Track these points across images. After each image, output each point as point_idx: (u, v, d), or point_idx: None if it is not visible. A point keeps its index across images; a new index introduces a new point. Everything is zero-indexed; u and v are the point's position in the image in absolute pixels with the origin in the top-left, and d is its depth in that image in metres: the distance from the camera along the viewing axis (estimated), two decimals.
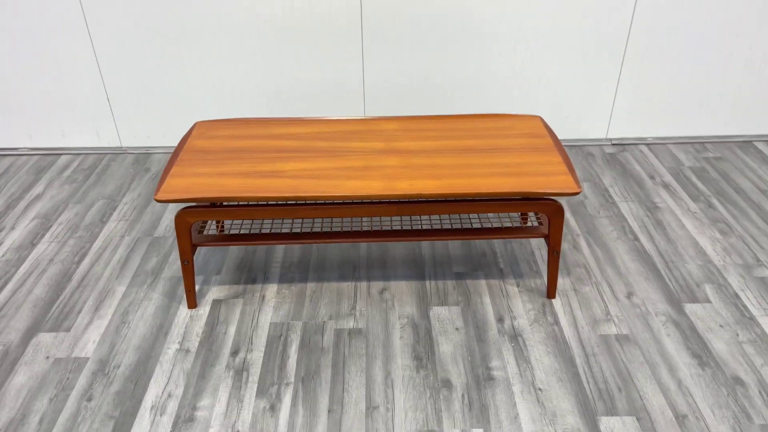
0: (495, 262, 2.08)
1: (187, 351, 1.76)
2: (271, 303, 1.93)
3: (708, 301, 1.89)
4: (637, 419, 1.53)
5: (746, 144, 2.77)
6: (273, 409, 1.58)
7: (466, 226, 2.07)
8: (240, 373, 1.69)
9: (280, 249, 2.17)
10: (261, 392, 1.63)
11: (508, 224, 2.14)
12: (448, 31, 2.53)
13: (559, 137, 2.78)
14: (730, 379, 1.64)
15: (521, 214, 2.18)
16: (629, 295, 1.93)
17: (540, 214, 1.93)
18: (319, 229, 1.95)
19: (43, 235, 2.27)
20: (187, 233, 1.77)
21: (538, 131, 1.98)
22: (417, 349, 1.75)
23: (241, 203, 1.77)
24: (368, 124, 2.04)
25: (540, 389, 1.62)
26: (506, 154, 1.85)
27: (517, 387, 1.62)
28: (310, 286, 2.00)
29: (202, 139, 1.97)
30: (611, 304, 1.89)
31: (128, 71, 2.64)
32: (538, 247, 2.15)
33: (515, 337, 1.78)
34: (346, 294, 1.96)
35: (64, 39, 2.56)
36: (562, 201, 2.38)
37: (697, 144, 2.78)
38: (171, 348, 1.77)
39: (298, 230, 1.97)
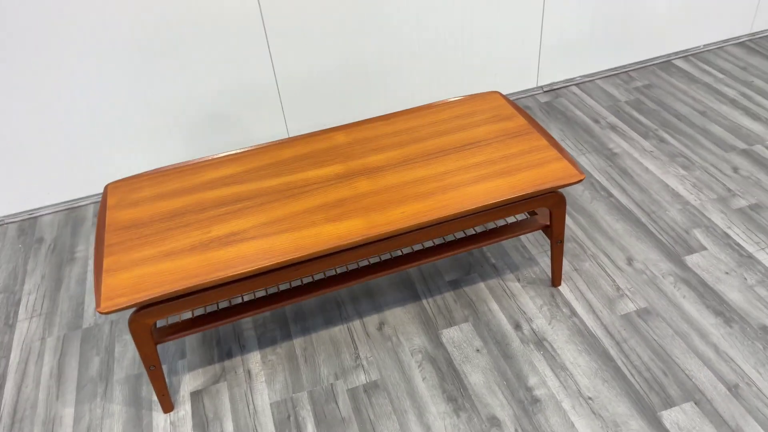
0: (485, 258, 1.91)
1: None
2: (261, 377, 1.65)
3: (704, 248, 1.86)
4: (695, 403, 1.46)
5: (666, 64, 2.76)
6: None
7: (453, 235, 1.86)
8: None
9: None
10: None
11: (501, 222, 1.94)
12: (355, 11, 2.23)
13: None
14: (758, 330, 1.61)
15: None
16: (629, 260, 1.85)
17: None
18: (295, 283, 1.67)
19: None
20: (148, 336, 1.43)
21: (503, 111, 1.79)
22: (446, 388, 1.56)
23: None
24: (312, 143, 1.75)
25: (590, 398, 1.50)
26: (485, 149, 1.65)
27: (567, 403, 1.50)
28: (298, 342, 1.73)
29: (123, 208, 1.59)
30: (616, 276, 1.80)
31: None
32: None
33: (540, 342, 1.65)
34: (342, 341, 1.72)
35: None
36: None
37: (622, 74, 2.73)
38: None
39: (273, 289, 1.68)
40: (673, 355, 1.58)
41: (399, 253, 1.85)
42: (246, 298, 1.81)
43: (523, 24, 2.47)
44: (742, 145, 2.24)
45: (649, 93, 2.58)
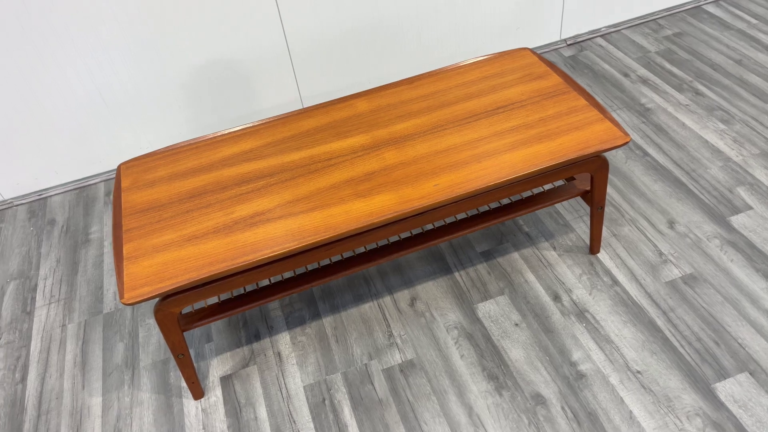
0: (517, 227, 1.82)
1: None
2: (292, 359, 1.59)
3: (749, 207, 1.76)
4: (750, 374, 1.40)
5: (696, 10, 2.61)
6: None
7: (487, 205, 1.77)
8: None
9: None
10: None
11: (537, 189, 1.84)
12: None
13: None
14: None
15: None
16: (671, 224, 1.75)
17: None
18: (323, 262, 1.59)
19: None
20: (175, 325, 1.36)
21: (536, 69, 1.68)
22: (486, 365, 1.50)
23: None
24: (332, 112, 1.64)
25: (638, 372, 1.44)
26: (519, 112, 1.54)
27: (614, 377, 1.43)
28: (327, 321, 1.66)
29: (139, 189, 1.50)
30: (658, 241, 1.72)
31: None
32: None
33: (581, 314, 1.57)
34: (373, 318, 1.65)
35: None
36: None
37: (650, 22, 2.58)
38: None
39: (300, 270, 1.60)
40: (723, 323, 1.50)
41: (430, 226, 1.76)
42: (273, 280, 1.74)
43: None
44: None
45: (681, 42, 2.44)
